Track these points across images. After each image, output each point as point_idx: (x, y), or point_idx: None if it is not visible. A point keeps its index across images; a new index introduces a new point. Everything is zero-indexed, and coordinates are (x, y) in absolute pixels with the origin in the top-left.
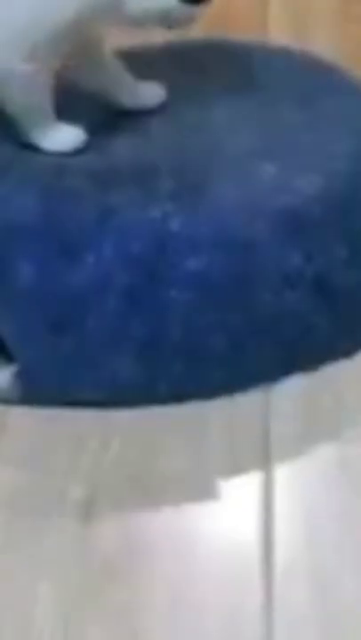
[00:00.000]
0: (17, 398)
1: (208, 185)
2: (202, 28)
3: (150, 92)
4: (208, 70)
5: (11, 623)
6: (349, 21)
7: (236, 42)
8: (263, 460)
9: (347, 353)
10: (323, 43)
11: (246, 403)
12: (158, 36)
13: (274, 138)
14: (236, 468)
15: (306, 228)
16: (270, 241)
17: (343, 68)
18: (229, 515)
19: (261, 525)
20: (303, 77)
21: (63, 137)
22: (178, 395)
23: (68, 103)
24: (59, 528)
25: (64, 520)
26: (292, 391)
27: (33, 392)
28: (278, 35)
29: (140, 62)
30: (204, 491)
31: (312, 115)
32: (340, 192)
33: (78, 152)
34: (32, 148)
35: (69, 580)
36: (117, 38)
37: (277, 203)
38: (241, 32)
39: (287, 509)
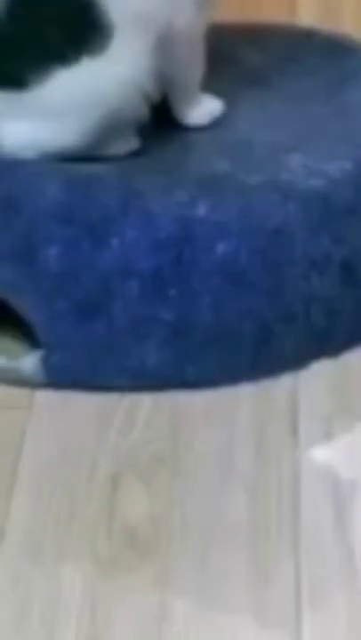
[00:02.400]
0: (43, 383)
1: (236, 172)
2: (231, 9)
3: (206, 109)
4: (238, 58)
5: (39, 597)
6: None
7: (265, 24)
8: (291, 444)
9: None
10: (351, 23)
11: (274, 388)
12: None
13: (301, 129)
14: (263, 452)
15: (334, 213)
16: (299, 224)
17: None
18: (256, 498)
19: (289, 509)
20: (330, 63)
21: (205, 109)
22: (206, 380)
23: None
24: (87, 501)
25: (92, 493)
26: (319, 376)
27: (59, 377)
28: (307, 15)
29: None
30: (229, 472)
31: (339, 103)
32: None
33: None
34: None
35: (97, 554)
36: None
37: (306, 186)
38: (270, 13)
39: (314, 494)
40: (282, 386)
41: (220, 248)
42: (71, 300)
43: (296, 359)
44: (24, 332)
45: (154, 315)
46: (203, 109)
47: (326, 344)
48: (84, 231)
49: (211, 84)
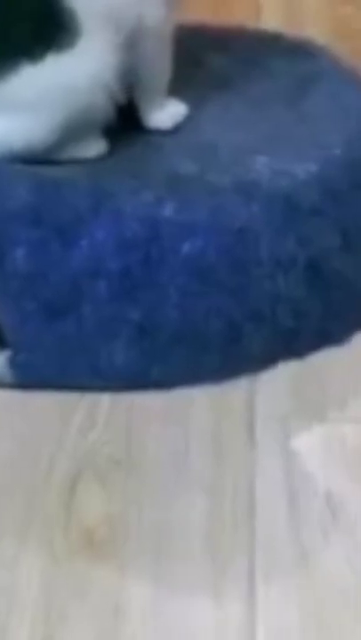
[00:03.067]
0: (10, 383)
1: (201, 174)
2: (195, 11)
3: (170, 113)
4: (203, 61)
5: None
6: (342, 3)
7: (228, 27)
8: (248, 444)
9: (338, 340)
10: (314, 27)
11: (234, 388)
12: None
13: (266, 132)
14: (219, 453)
15: (300, 214)
16: (263, 225)
17: (333, 53)
18: (211, 498)
19: (245, 509)
20: (294, 66)
21: (169, 113)
22: (173, 380)
23: None
24: (45, 502)
25: (50, 494)
26: (280, 377)
27: (27, 377)
28: (271, 18)
29: None
30: (185, 473)
31: (303, 106)
32: (334, 179)
33: None
34: None
35: (54, 553)
36: None
37: (271, 187)
38: (234, 16)
39: (269, 494)
40: (241, 386)
41: (186, 248)
42: (40, 300)
43: (262, 359)
44: None
45: (122, 314)
46: (167, 113)
47: (293, 344)
48: (53, 232)
49: (176, 87)
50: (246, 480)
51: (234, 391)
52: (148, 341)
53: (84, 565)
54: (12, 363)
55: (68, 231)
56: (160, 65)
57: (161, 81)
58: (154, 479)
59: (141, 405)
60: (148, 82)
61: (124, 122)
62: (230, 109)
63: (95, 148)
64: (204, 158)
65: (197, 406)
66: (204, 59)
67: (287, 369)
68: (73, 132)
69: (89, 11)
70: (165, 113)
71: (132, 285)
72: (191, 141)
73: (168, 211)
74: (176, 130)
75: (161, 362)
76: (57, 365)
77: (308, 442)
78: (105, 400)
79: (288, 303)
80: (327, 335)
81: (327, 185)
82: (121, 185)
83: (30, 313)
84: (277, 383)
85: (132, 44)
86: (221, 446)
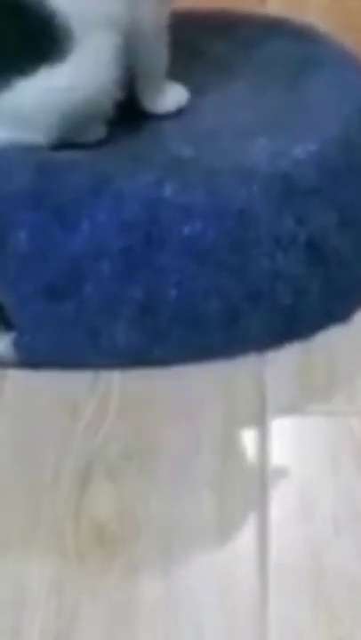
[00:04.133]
0: (15, 363)
1: (200, 156)
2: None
3: (171, 97)
4: (201, 46)
5: (5, 593)
6: None
7: (230, 12)
8: (258, 431)
9: (340, 318)
10: (319, 19)
11: (241, 369)
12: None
13: (265, 115)
14: (230, 448)
15: (298, 193)
16: (263, 205)
17: (336, 39)
18: (220, 496)
19: (255, 502)
20: (293, 51)
21: (171, 97)
22: (174, 359)
23: None
24: (54, 497)
25: (60, 491)
26: (286, 357)
27: (31, 357)
28: (275, 4)
29: None
30: (195, 469)
31: (302, 90)
32: (332, 158)
33: None
34: None
35: (64, 551)
36: None
37: (269, 168)
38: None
39: (281, 484)
40: (248, 368)
41: (187, 229)
42: (42, 282)
43: (263, 340)
44: None
45: (123, 294)
46: (169, 97)
47: (295, 324)
48: (53, 215)
49: (177, 74)
50: (257, 470)
51: (242, 372)
52: (149, 320)
53: (95, 562)
54: (16, 343)
55: (69, 213)
56: (158, 53)
57: (160, 67)
58: (164, 475)
59: (151, 399)
60: (147, 70)
61: (123, 107)
62: (230, 94)
63: (94, 133)
64: (203, 142)
65: (207, 399)
66: (203, 45)
67: (293, 349)
68: (73, 130)
69: (82, 20)
70: (167, 97)
71: (132, 266)
72: (191, 126)
73: (168, 192)
74: (176, 115)
75: (162, 341)
76: (60, 346)
77: (316, 432)
78: (115, 395)
79: (287, 281)
80: (329, 313)
81: (325, 165)
82: (120, 167)
83: (32, 295)
84: (285, 363)
85: (129, 41)
86: (232, 440)
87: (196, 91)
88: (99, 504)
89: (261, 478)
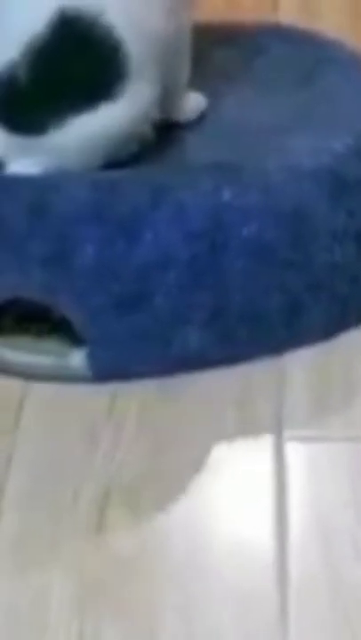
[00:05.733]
0: (91, 377)
1: (246, 158)
2: (213, 7)
3: (191, 105)
4: (210, 55)
5: (26, 621)
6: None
7: (246, 23)
8: (276, 449)
9: None
10: (331, 21)
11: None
12: None
13: (289, 115)
14: (248, 460)
15: (346, 186)
16: (315, 200)
17: (348, 44)
18: (239, 511)
19: (274, 522)
20: (298, 54)
21: (193, 104)
22: (243, 359)
23: None
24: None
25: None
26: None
27: (105, 371)
28: (288, 15)
29: None
30: (212, 489)
31: (316, 89)
32: None
33: None
34: None
35: (84, 575)
36: None
37: (315, 164)
38: (250, 12)
39: (300, 509)
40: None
41: (245, 231)
42: (111, 295)
43: (323, 331)
44: (68, 329)
45: (193, 301)
46: (191, 104)
47: (348, 312)
48: (116, 229)
49: (192, 81)
50: (276, 498)
51: (260, 400)
52: (218, 324)
53: (115, 587)
54: (90, 357)
55: (131, 227)
56: (185, 62)
57: (184, 77)
58: (184, 496)
59: (166, 423)
60: (176, 80)
61: None
62: (247, 97)
63: (128, 149)
64: (241, 144)
65: (223, 427)
66: (211, 53)
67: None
68: (114, 155)
69: (139, 53)
70: (190, 104)
71: (199, 272)
72: (221, 130)
73: (227, 197)
74: (199, 122)
75: (230, 342)
76: (133, 356)
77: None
78: (132, 419)
79: (343, 272)
80: None
81: None
82: (174, 177)
83: (102, 308)
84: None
85: (164, 59)
86: (249, 463)
87: (212, 96)
88: (118, 527)
89: (280, 502)
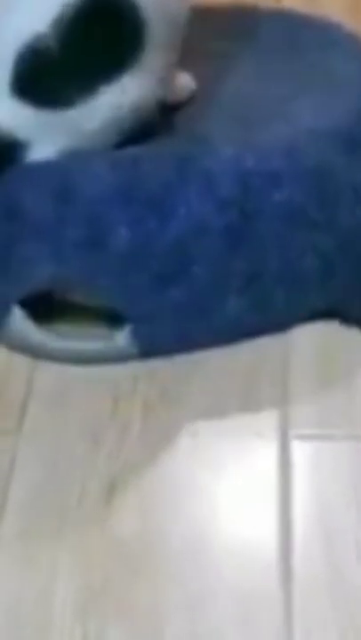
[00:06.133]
0: (136, 354)
1: (259, 126)
2: None
3: (181, 85)
4: (228, 34)
5: (30, 620)
6: None
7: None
8: (281, 448)
9: None
10: (333, 7)
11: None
12: None
13: (293, 86)
14: (251, 460)
15: (359, 143)
16: (333, 158)
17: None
18: (246, 515)
19: (280, 527)
20: (307, 32)
21: (183, 84)
22: (281, 323)
23: None
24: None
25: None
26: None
27: (151, 346)
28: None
29: None
30: (220, 491)
31: (321, 65)
32: None
33: None
34: None
35: (89, 573)
36: None
37: (328, 125)
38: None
39: (304, 510)
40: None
41: (277, 195)
42: (150, 272)
43: (352, 289)
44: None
45: (229, 269)
46: (181, 84)
47: None
48: (147, 207)
49: (187, 63)
50: (279, 498)
51: (265, 405)
52: (256, 290)
53: (120, 587)
54: (135, 336)
55: (162, 203)
56: (178, 45)
57: (175, 58)
58: (188, 495)
59: (169, 421)
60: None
61: None
62: (247, 72)
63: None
64: (251, 115)
65: (229, 417)
66: (210, 37)
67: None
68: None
69: (157, 22)
70: (180, 84)
71: (233, 240)
72: (224, 104)
73: (250, 163)
74: (200, 98)
75: (269, 307)
76: (175, 330)
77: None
78: (136, 418)
79: None
80: None
81: None
82: (194, 148)
83: (142, 286)
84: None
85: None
86: (252, 464)
87: (211, 78)
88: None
89: (283, 501)
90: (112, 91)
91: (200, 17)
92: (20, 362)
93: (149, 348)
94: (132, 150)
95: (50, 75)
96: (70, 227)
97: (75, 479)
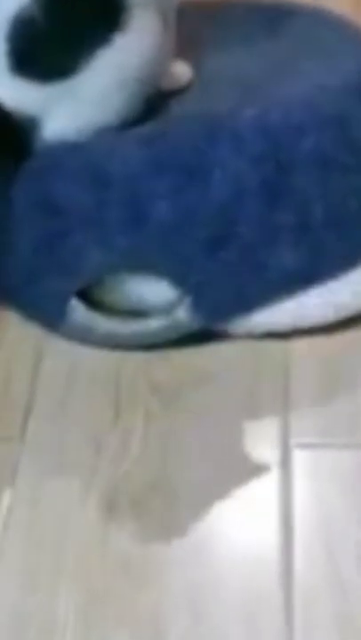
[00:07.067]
0: (200, 324)
1: (275, 85)
2: None
3: (180, 72)
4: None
5: (33, 629)
6: None
7: None
8: (282, 456)
9: None
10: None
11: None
12: None
13: (294, 56)
14: (252, 471)
15: None
16: (351, 109)
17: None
18: (248, 523)
19: (283, 538)
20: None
21: (180, 72)
22: (335, 270)
23: None
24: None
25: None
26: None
27: (213, 314)
28: None
29: None
30: (221, 498)
31: (310, 46)
32: None
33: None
34: None
35: (90, 582)
36: None
37: (343, 81)
38: None
39: (306, 518)
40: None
41: (305, 144)
42: (199, 239)
43: None
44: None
45: (276, 222)
46: (179, 70)
47: None
48: (183, 176)
49: (188, 51)
50: (283, 504)
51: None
52: (306, 238)
53: (122, 594)
54: (195, 306)
55: (197, 169)
56: (172, 30)
57: (171, 43)
58: (190, 503)
59: (171, 432)
60: (169, 45)
61: None
62: (242, 54)
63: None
64: (252, 87)
65: (227, 441)
66: (200, 27)
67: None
68: (135, 106)
69: None
70: (177, 72)
71: (275, 194)
72: (233, 81)
73: (274, 117)
74: (198, 82)
75: (322, 254)
76: (234, 292)
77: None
78: (138, 428)
79: None
80: None
81: None
82: (216, 112)
83: (193, 254)
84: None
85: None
86: (254, 474)
87: (209, 60)
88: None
89: (285, 510)
90: (108, 53)
91: (192, 9)
92: (22, 369)
93: (211, 316)
94: (155, 125)
95: (42, 46)
96: (111, 210)
97: (78, 484)
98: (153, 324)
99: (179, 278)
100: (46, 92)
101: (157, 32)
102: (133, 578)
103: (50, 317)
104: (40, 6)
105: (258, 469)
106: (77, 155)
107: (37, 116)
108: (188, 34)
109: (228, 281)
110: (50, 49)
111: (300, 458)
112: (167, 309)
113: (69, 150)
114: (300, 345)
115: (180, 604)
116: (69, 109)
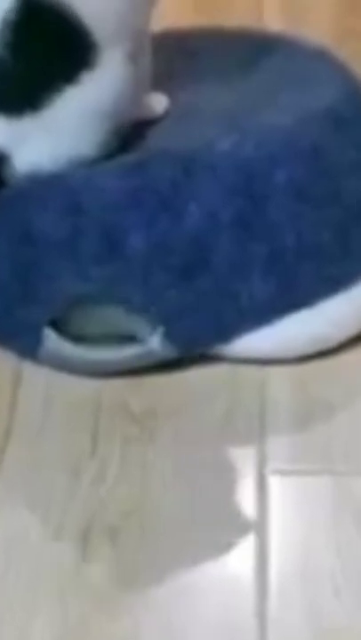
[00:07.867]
0: (174, 353)
1: (243, 120)
2: (197, 12)
3: (156, 102)
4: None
5: None
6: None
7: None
8: (258, 484)
9: None
10: (316, 28)
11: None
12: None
13: (266, 90)
14: (228, 495)
15: (346, 123)
16: (329, 138)
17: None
18: (226, 551)
19: (258, 563)
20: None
21: (157, 101)
22: (309, 299)
23: None
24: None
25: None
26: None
27: (187, 343)
28: (272, 20)
29: None
30: (197, 530)
31: (285, 75)
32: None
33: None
34: None
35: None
36: None
37: (316, 108)
38: (236, 17)
39: (284, 546)
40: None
41: (278, 176)
42: (171, 269)
43: None
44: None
45: (249, 254)
46: (155, 101)
47: None
48: (159, 208)
49: (164, 82)
50: (257, 534)
51: (242, 441)
52: (279, 268)
53: (97, 624)
54: (168, 335)
55: (172, 202)
56: (147, 61)
57: (147, 74)
58: (166, 531)
59: (148, 458)
60: (142, 77)
61: None
62: (215, 87)
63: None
64: (238, 117)
65: (204, 465)
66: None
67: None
68: (112, 141)
69: (102, 28)
70: (154, 101)
71: (246, 225)
72: (209, 111)
73: (249, 149)
74: (173, 113)
75: (295, 284)
76: (208, 321)
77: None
78: (115, 452)
79: None
80: None
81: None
82: (191, 145)
83: (166, 285)
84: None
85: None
86: (230, 499)
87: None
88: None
89: (260, 537)
90: (77, 90)
91: (170, 40)
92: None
93: (184, 345)
94: (131, 157)
95: (8, 81)
96: (86, 240)
97: (54, 510)
98: (127, 352)
99: (151, 309)
100: (17, 125)
101: (127, 68)
102: (108, 608)
103: (25, 346)
104: (7, 44)
105: (234, 496)
106: (52, 185)
107: (7, 150)
108: (165, 65)
109: (202, 310)
110: (17, 85)
111: (275, 484)
112: (141, 338)
113: (45, 180)
114: (276, 371)
115: (155, 635)
116: (42, 142)
